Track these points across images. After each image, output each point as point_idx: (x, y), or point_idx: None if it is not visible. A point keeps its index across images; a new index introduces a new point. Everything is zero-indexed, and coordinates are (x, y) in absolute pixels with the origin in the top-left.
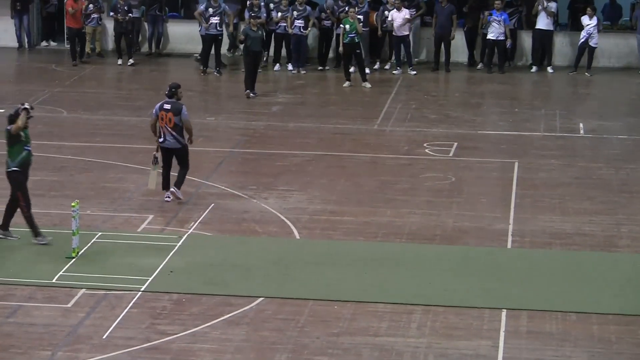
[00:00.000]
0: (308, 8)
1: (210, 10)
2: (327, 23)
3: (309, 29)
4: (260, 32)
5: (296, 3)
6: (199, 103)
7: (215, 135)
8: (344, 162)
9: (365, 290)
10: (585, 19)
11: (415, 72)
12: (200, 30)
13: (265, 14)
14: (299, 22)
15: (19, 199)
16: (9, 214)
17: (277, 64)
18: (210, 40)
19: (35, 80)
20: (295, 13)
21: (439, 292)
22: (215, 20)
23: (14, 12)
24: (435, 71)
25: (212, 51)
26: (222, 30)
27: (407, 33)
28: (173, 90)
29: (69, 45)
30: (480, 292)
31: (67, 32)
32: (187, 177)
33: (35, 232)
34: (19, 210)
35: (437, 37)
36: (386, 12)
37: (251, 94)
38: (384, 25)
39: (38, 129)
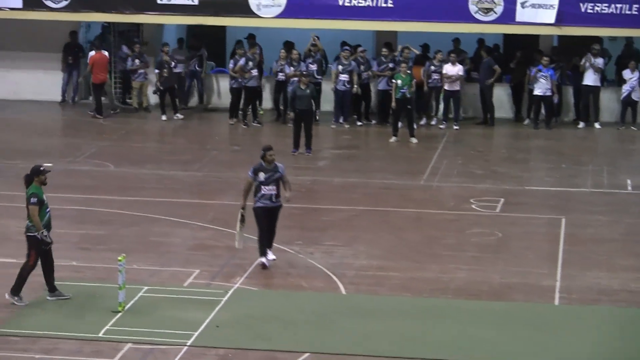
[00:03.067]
0: (353, 63)
1: (250, 64)
2: (365, 76)
3: (355, 86)
4: (308, 90)
5: (341, 57)
6: (245, 157)
7: None
8: (390, 217)
9: (411, 345)
10: (627, 73)
11: (458, 127)
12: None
13: (306, 68)
14: (343, 77)
15: (31, 258)
16: (48, 274)
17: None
18: (248, 92)
19: (83, 134)
20: (340, 67)
21: (486, 348)
22: (255, 73)
23: (65, 65)
24: (481, 125)
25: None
26: (260, 83)
27: (458, 88)
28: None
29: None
30: (527, 348)
31: (93, 87)
32: (232, 231)
33: (15, 290)
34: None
35: (481, 91)
36: (432, 67)
37: (296, 152)
38: (429, 81)
39: (85, 183)
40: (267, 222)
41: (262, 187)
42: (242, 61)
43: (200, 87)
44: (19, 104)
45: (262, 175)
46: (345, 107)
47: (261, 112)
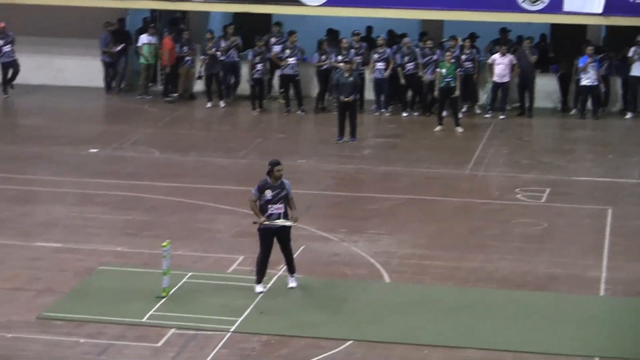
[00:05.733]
0: (388, 50)
1: (287, 51)
2: (410, 67)
3: (387, 72)
4: (351, 78)
5: (377, 46)
6: (291, 145)
7: (306, 177)
8: (435, 207)
9: (455, 335)
10: None
11: (504, 117)
12: (247, 79)
13: (353, 56)
14: (379, 65)
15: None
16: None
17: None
18: (287, 81)
19: (128, 121)
20: (376, 56)
21: (530, 339)
22: (292, 61)
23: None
24: (521, 116)
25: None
26: (298, 71)
27: (508, 80)
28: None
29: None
30: (572, 340)
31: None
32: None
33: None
34: None
35: (520, 82)
36: (463, 56)
37: (341, 141)
38: (460, 70)
39: (130, 169)
40: (271, 244)
41: (270, 206)
42: (277, 48)
43: (239, 77)
44: (64, 90)
45: (268, 193)
46: (384, 95)
47: (281, 100)
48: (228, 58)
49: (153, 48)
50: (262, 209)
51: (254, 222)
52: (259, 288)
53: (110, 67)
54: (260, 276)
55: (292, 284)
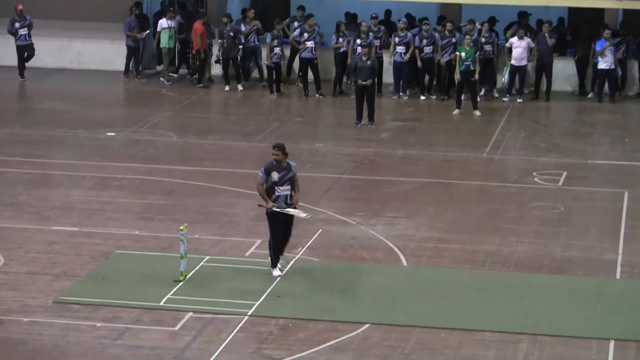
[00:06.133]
0: (409, 34)
1: (306, 35)
2: (427, 50)
3: (407, 55)
4: (369, 62)
5: (398, 30)
6: (309, 129)
7: (324, 161)
8: (452, 190)
9: (472, 318)
10: None
11: (521, 101)
12: (265, 61)
13: (371, 40)
14: (400, 49)
15: None
16: None
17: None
18: (305, 64)
19: (147, 104)
20: (396, 39)
21: (547, 322)
22: (310, 44)
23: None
24: (535, 100)
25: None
26: (316, 54)
27: (525, 63)
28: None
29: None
30: (588, 322)
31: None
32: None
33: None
34: None
35: (538, 65)
36: (483, 39)
37: (359, 124)
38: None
39: (148, 153)
40: (281, 228)
41: (276, 188)
42: (296, 32)
43: (259, 61)
44: (82, 74)
45: (275, 175)
46: (403, 78)
47: (299, 84)
48: (248, 43)
49: (173, 32)
50: (269, 192)
51: (259, 205)
52: (275, 272)
53: (133, 52)
54: (276, 260)
55: (276, 272)
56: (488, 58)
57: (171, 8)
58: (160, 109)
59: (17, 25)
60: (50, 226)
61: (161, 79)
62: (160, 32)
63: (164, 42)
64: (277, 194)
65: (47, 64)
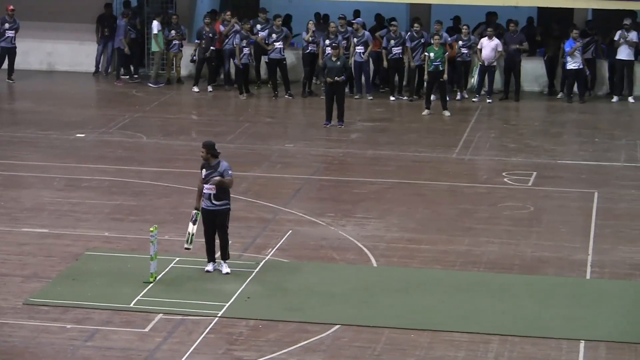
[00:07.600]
0: (366, 33)
1: (274, 35)
2: (396, 50)
3: (365, 55)
4: (339, 62)
5: (355, 30)
6: (279, 130)
7: (294, 161)
8: (423, 190)
9: (442, 319)
10: None
11: (491, 101)
12: (234, 60)
13: (340, 40)
14: (359, 49)
15: None
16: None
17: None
18: (274, 65)
19: (116, 105)
20: (355, 40)
21: (517, 322)
22: (278, 45)
23: (99, 36)
24: (504, 100)
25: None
26: (284, 55)
27: (494, 63)
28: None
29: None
30: (558, 323)
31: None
32: (266, 203)
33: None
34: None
35: (506, 65)
36: (460, 42)
37: (328, 125)
38: (458, 56)
39: (118, 154)
40: (206, 226)
41: (204, 185)
42: (264, 33)
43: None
44: (52, 75)
45: (203, 173)
46: (366, 78)
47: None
48: (227, 45)
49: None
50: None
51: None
52: (208, 267)
53: (126, 56)
54: (209, 257)
55: (225, 269)
56: (466, 61)
57: (170, 12)
58: (130, 110)
59: (6, 26)
60: (21, 227)
61: (151, 85)
62: (157, 35)
63: (156, 45)
64: (204, 191)
65: (17, 65)
